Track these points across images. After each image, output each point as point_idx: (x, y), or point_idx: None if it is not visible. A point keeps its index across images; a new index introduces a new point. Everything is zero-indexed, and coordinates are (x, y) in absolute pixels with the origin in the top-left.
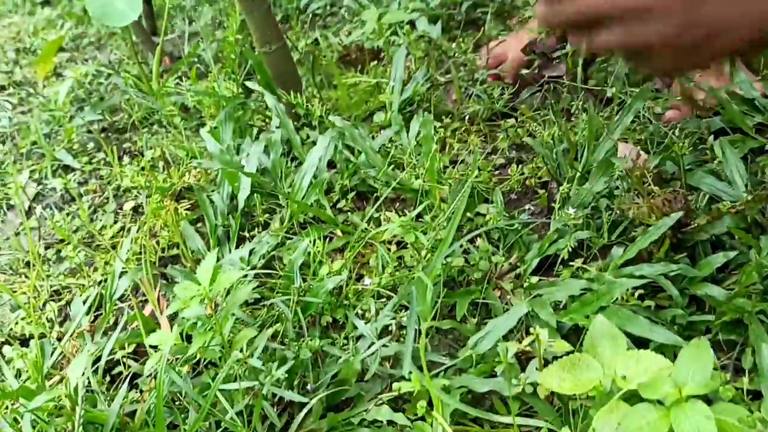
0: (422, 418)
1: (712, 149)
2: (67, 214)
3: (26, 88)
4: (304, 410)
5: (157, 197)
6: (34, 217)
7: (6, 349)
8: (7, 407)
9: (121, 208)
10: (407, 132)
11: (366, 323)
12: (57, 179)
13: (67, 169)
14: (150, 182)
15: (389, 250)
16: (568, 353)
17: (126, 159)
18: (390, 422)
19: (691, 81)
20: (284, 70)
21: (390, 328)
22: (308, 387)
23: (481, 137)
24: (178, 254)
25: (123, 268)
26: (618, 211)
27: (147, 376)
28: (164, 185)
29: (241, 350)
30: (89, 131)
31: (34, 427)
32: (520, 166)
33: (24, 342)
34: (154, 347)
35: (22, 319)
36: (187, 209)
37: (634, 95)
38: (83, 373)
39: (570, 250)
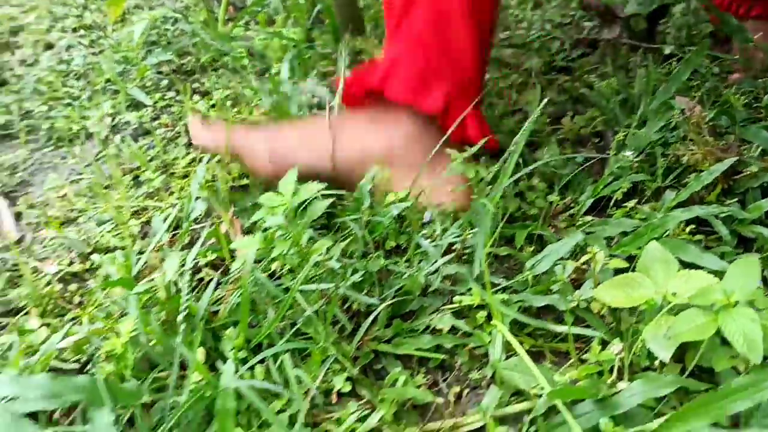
0: (481, 328)
1: (767, 108)
2: (142, 146)
3: (96, 31)
4: (371, 317)
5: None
6: (112, 145)
7: (94, 256)
8: (100, 305)
9: (191, 144)
10: None
11: (431, 243)
12: (131, 113)
13: (139, 105)
14: (222, 118)
15: None
16: (620, 271)
17: (196, 98)
18: (451, 331)
19: (750, 41)
20: (350, 16)
21: (454, 247)
22: (374, 299)
23: (539, 89)
24: (247, 184)
25: (198, 191)
26: (673, 158)
27: (228, 281)
28: (236, 119)
29: (320, 255)
30: (159, 72)
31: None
32: (575, 116)
33: (109, 253)
34: (234, 257)
35: (108, 232)
36: None
37: (691, 52)
38: (175, 272)
39: (624, 192)
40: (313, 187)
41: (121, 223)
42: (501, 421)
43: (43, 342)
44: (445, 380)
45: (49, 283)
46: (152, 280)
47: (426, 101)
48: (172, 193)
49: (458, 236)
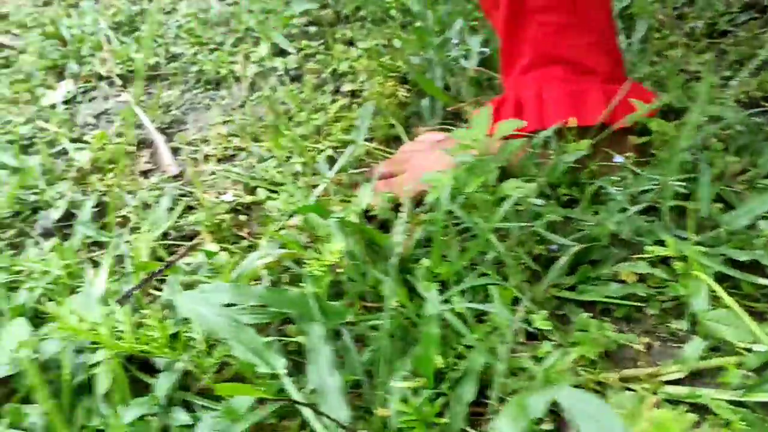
0: (676, 280)
1: None
2: (292, 90)
3: None
4: (560, 261)
5: (380, 78)
6: (266, 88)
7: (259, 191)
8: (280, 229)
9: (338, 91)
10: (626, 37)
11: (618, 191)
12: (277, 60)
13: (284, 53)
14: (374, 68)
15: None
16: None
17: (340, 47)
18: (641, 280)
19: None
20: None
21: (644, 197)
22: (553, 246)
23: (703, 52)
24: (398, 135)
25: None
26: None
27: (413, 216)
28: (389, 65)
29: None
30: (294, 24)
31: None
32: (746, 78)
33: (273, 191)
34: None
35: (274, 167)
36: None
37: None
38: (367, 201)
39: None
40: (510, 125)
41: (282, 160)
42: (700, 374)
43: (233, 266)
44: (630, 331)
45: (226, 212)
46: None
47: (588, 116)
48: (328, 135)
49: (656, 183)
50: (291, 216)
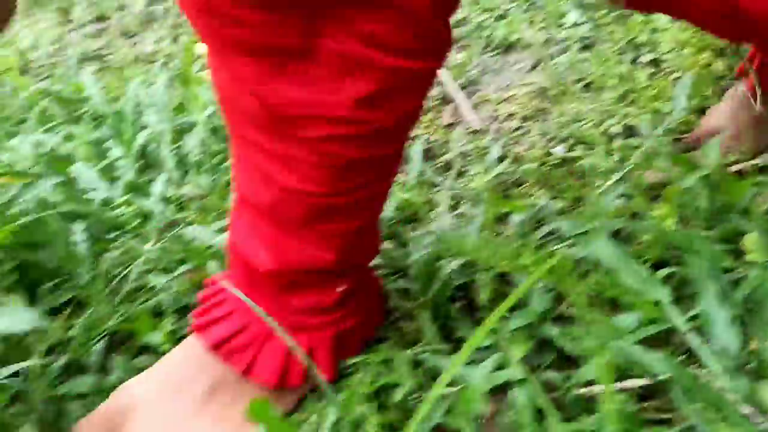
0: None
1: None
2: (596, 56)
3: None
4: None
5: (692, 49)
6: (563, 54)
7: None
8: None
9: (635, 60)
10: None
11: None
12: (569, 29)
13: (574, 24)
14: (684, 39)
15: None
16: None
17: (637, 17)
18: None
19: None
20: None
21: None
22: None
23: None
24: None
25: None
26: None
27: None
28: (701, 37)
29: None
30: None
31: None
32: None
33: (590, 147)
34: None
35: (588, 127)
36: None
37: None
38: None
39: None
40: None
41: (593, 121)
42: None
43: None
44: None
45: (552, 165)
46: None
47: None
48: (633, 102)
49: None
50: (631, 170)
